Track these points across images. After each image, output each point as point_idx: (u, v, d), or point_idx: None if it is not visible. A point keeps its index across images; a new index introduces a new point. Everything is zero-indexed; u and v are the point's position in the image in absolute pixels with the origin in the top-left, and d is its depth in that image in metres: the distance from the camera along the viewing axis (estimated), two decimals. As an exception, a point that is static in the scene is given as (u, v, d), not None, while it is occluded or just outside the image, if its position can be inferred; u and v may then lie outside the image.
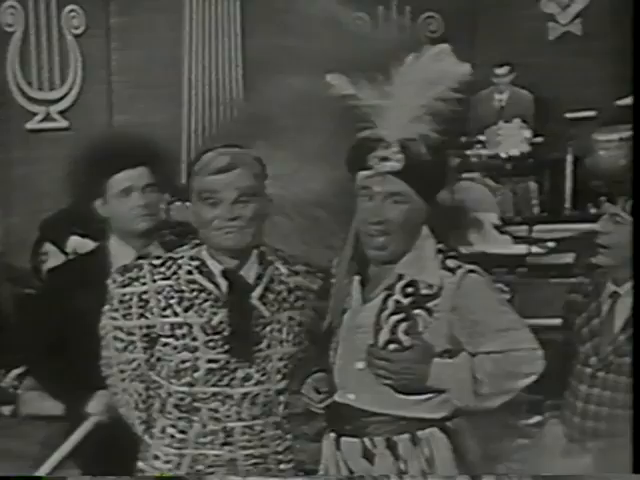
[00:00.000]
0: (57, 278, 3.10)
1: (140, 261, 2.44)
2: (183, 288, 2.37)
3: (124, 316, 2.38)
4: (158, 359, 2.40)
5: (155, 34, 7.87)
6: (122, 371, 2.44)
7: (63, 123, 8.00)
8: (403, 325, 2.37)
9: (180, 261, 2.40)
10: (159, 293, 2.37)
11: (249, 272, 2.39)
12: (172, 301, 2.36)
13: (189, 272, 2.38)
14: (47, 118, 8.02)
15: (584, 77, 7.28)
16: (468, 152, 7.08)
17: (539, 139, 7.14)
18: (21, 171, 7.87)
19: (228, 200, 2.31)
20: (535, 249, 5.90)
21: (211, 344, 2.35)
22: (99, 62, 7.99)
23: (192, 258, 2.40)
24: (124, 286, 2.38)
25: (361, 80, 2.38)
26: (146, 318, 2.37)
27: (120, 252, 2.90)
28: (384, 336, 2.38)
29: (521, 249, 5.90)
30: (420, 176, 2.32)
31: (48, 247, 5.73)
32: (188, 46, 7.92)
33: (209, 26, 7.91)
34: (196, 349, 2.34)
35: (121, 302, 2.38)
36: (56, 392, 2.99)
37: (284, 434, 2.45)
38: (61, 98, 8.03)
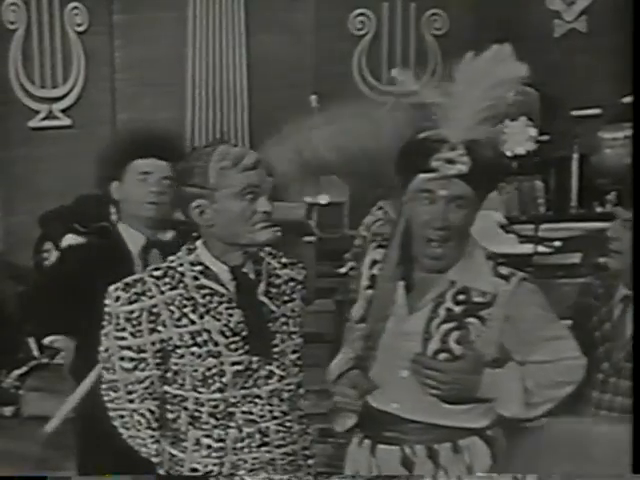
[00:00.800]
0: (72, 257, 3.12)
1: (140, 275, 2.39)
2: (194, 295, 2.33)
3: (132, 334, 2.32)
4: (176, 372, 2.36)
5: (159, 31, 7.81)
6: (131, 392, 2.37)
7: (66, 121, 7.95)
8: (455, 334, 2.32)
9: (181, 269, 2.36)
10: (170, 304, 2.32)
11: (249, 270, 2.37)
12: (186, 310, 2.32)
13: (195, 278, 2.34)
14: (49, 116, 7.96)
15: (590, 74, 7.23)
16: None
17: (545, 137, 7.09)
18: (23, 169, 7.84)
19: (266, 194, 2.30)
20: (541, 248, 5.85)
21: (232, 346, 2.33)
22: (102, 60, 7.92)
23: (193, 264, 2.36)
24: (130, 303, 2.32)
25: (424, 76, 2.34)
26: (158, 332, 2.32)
27: (131, 236, 2.94)
28: (434, 345, 2.33)
29: (527, 248, 5.85)
30: (481, 179, 2.27)
31: (50, 245, 5.71)
32: (192, 44, 7.87)
33: (213, 24, 7.86)
34: (219, 354, 2.31)
35: (128, 320, 2.32)
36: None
37: (307, 428, 2.44)
38: (64, 96, 7.98)
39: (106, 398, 2.41)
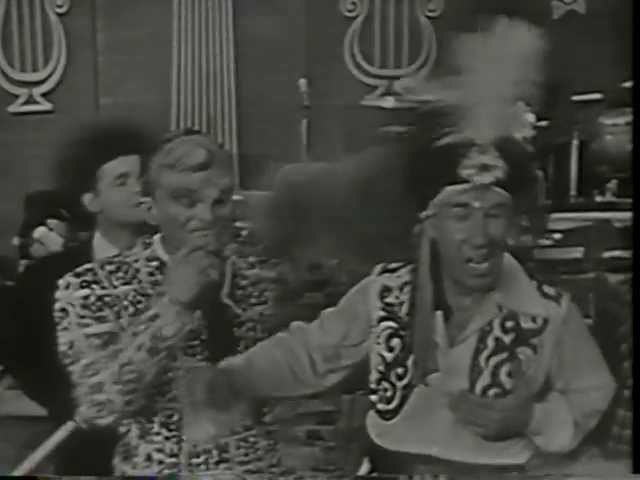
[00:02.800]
0: (36, 274, 2.92)
1: (90, 265, 2.19)
2: (149, 292, 2.14)
3: (97, 319, 2.13)
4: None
5: (143, 12, 7.59)
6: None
7: (47, 106, 7.74)
8: (506, 366, 2.09)
9: (136, 265, 2.16)
10: (123, 299, 2.13)
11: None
12: (140, 306, 2.13)
13: (150, 274, 2.16)
14: (30, 101, 7.76)
15: (589, 58, 7.08)
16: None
17: (543, 123, 6.90)
18: (4, 156, 7.63)
19: (209, 200, 2.08)
20: (541, 240, 5.64)
21: (190, 351, 2.13)
22: (84, 42, 7.70)
23: (149, 259, 2.17)
24: (82, 287, 2.12)
25: (423, 69, 2.07)
26: (113, 322, 2.15)
27: (103, 250, 2.71)
28: (484, 380, 2.09)
29: (526, 240, 5.64)
30: (517, 181, 2.02)
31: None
32: (177, 24, 7.68)
33: (199, 4, 7.65)
34: (175, 358, 2.11)
35: (85, 307, 2.13)
36: (37, 396, 2.82)
37: (275, 444, 2.27)
38: (44, 80, 7.77)
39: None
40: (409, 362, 2.17)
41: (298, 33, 7.53)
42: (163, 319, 2.02)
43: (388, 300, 2.23)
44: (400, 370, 2.19)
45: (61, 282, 2.20)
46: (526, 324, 2.09)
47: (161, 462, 2.24)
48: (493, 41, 2.01)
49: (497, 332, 2.09)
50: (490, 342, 2.09)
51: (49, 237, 4.60)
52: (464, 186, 2.00)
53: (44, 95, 7.76)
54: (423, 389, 2.16)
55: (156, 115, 7.14)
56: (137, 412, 2.21)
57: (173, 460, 2.23)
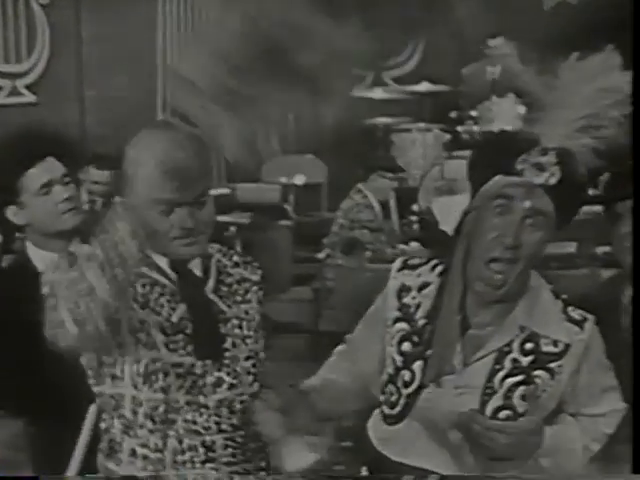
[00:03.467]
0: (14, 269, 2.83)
1: (72, 250, 2.08)
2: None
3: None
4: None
5: (128, 4, 7.51)
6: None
7: (30, 98, 7.62)
8: (520, 389, 2.01)
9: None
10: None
11: (195, 266, 2.14)
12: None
13: None
14: (14, 92, 7.63)
15: (581, 49, 7.01)
16: (459, 128, 6.85)
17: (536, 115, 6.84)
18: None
19: (186, 206, 2.00)
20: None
21: (172, 346, 2.06)
22: (68, 34, 7.63)
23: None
24: (71, 267, 2.02)
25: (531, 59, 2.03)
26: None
27: (41, 260, 2.59)
28: (496, 402, 2.01)
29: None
30: (565, 197, 1.93)
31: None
32: (162, 15, 7.64)
33: (185, -5, 7.61)
34: (132, 284, 2.03)
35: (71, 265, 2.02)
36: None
37: (265, 446, 2.16)
38: (28, 71, 7.65)
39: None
40: (416, 368, 2.09)
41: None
42: (119, 232, 1.93)
43: (405, 301, 2.14)
44: (407, 376, 2.11)
45: (48, 264, 2.10)
46: (546, 347, 2.01)
47: (145, 457, 2.14)
48: (590, 66, 1.98)
49: (515, 353, 2.01)
50: (507, 363, 2.01)
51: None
52: (513, 179, 1.92)
53: (28, 87, 7.65)
54: (430, 405, 2.07)
55: (141, 108, 7.08)
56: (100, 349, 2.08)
57: (158, 455, 2.12)
